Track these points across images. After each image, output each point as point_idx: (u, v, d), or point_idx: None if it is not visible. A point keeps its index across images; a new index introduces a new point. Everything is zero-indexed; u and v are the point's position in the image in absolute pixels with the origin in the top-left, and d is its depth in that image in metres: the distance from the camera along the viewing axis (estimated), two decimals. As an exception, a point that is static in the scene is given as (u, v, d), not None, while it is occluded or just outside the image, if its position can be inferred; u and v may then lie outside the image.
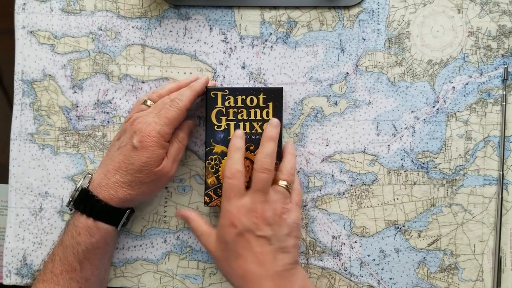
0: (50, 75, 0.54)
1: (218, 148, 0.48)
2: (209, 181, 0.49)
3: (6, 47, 0.55)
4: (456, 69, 0.53)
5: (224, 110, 0.49)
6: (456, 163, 0.52)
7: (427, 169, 0.52)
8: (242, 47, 0.53)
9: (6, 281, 0.53)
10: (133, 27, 0.54)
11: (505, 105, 0.52)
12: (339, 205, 0.53)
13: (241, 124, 0.49)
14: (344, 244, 0.53)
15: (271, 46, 0.53)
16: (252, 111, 0.49)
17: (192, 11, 0.54)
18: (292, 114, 0.53)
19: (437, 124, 0.52)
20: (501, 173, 0.52)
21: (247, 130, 0.49)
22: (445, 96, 0.52)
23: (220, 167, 0.48)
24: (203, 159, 0.53)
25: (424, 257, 0.52)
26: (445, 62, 0.53)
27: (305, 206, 0.53)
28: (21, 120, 0.54)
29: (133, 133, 0.46)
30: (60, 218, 0.53)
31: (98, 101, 0.54)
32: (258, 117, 0.49)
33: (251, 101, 0.49)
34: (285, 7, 0.53)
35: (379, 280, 0.52)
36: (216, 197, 0.49)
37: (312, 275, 0.53)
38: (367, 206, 0.53)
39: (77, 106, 0.54)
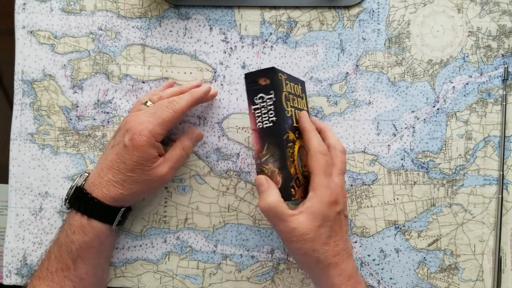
0: (50, 75, 0.54)
1: (291, 135, 0.44)
2: (291, 170, 0.43)
3: (6, 47, 0.55)
4: (456, 69, 0.52)
5: (288, 95, 0.45)
6: (456, 163, 0.52)
7: (427, 169, 0.52)
8: (242, 46, 0.53)
9: (6, 281, 0.53)
10: (133, 27, 0.54)
11: (505, 105, 0.52)
12: (339, 205, 0.53)
13: (297, 112, 0.46)
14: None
15: (271, 46, 0.53)
16: (297, 99, 0.47)
17: (192, 11, 0.54)
18: (292, 114, 0.53)
19: (437, 124, 0.52)
20: (501, 173, 0.52)
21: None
22: (445, 96, 0.52)
23: (294, 155, 0.44)
24: (203, 158, 0.53)
25: (424, 257, 0.52)
26: (445, 62, 0.53)
27: (305, 206, 0.53)
28: (21, 120, 0.54)
29: (125, 131, 0.46)
30: (60, 218, 0.53)
31: (98, 101, 0.54)
32: (300, 106, 0.48)
33: (295, 89, 0.47)
34: (285, 7, 0.53)
35: (379, 280, 0.52)
36: (297, 188, 0.44)
37: (312, 275, 0.53)
38: (367, 206, 0.53)
39: (77, 106, 0.54)
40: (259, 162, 0.44)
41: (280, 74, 0.44)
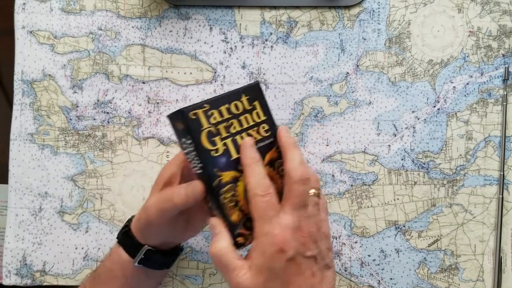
0: (50, 75, 0.54)
1: (227, 176, 0.39)
2: (233, 218, 0.39)
3: (6, 47, 0.55)
4: (457, 69, 0.52)
5: (213, 129, 0.39)
6: (456, 163, 0.52)
7: (427, 169, 0.52)
8: (242, 46, 0.53)
9: (5, 282, 0.53)
10: (133, 27, 0.54)
11: (506, 105, 0.52)
12: (339, 205, 0.53)
13: (238, 137, 0.40)
14: (345, 244, 0.52)
15: (271, 46, 0.53)
16: (242, 118, 0.40)
17: (192, 11, 0.53)
18: (292, 114, 0.53)
19: (437, 124, 0.52)
20: (502, 173, 0.51)
21: None
22: (445, 96, 0.52)
23: (238, 194, 0.39)
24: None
25: (425, 257, 0.52)
26: (445, 62, 0.53)
27: (305, 206, 0.53)
28: (21, 120, 0.54)
29: None
30: (59, 218, 0.53)
31: (98, 101, 0.54)
32: (251, 123, 0.41)
33: (236, 107, 0.40)
34: (285, 7, 0.53)
35: (379, 281, 0.52)
36: (249, 232, 0.39)
37: (312, 275, 0.53)
38: (368, 206, 0.53)
39: (77, 106, 0.54)
40: (208, 207, 0.40)
41: (193, 112, 0.38)
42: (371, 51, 0.53)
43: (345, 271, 0.52)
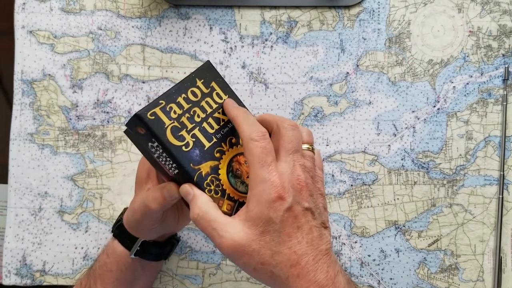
0: (49, 74, 0.54)
1: (206, 167, 0.37)
2: (224, 209, 0.37)
3: (6, 47, 0.55)
4: (457, 68, 0.52)
5: (177, 123, 0.37)
6: (456, 163, 0.52)
7: (427, 169, 0.52)
8: (242, 46, 0.53)
9: (5, 281, 0.53)
10: (133, 26, 0.54)
11: (506, 105, 0.52)
12: (339, 205, 0.53)
13: (205, 124, 0.38)
14: (344, 244, 0.52)
15: (271, 46, 0.53)
16: (204, 103, 0.38)
17: (192, 11, 0.53)
18: (292, 113, 0.53)
19: (437, 124, 0.52)
20: (502, 173, 0.51)
21: (215, 126, 0.38)
22: (445, 96, 0.52)
23: (223, 183, 0.37)
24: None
25: (425, 257, 0.52)
26: (445, 61, 0.52)
27: (305, 206, 0.53)
28: (21, 120, 0.54)
29: None
30: (59, 218, 0.53)
31: (98, 100, 0.54)
32: (215, 105, 0.39)
33: (194, 94, 0.38)
34: (285, 7, 0.53)
35: (379, 281, 0.52)
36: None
37: (312, 275, 0.53)
38: (368, 206, 0.53)
39: (77, 106, 0.54)
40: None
41: (150, 113, 0.36)
42: (371, 51, 0.53)
43: (345, 271, 0.52)
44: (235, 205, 0.37)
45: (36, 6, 0.54)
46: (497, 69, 0.52)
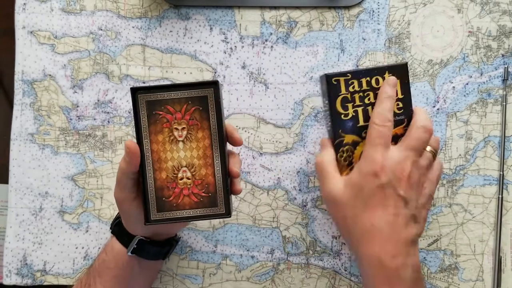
0: (50, 75, 0.54)
1: (349, 138, 0.44)
2: (344, 175, 0.44)
3: (6, 47, 0.55)
4: (456, 69, 0.53)
5: (349, 96, 0.44)
6: (456, 163, 0.52)
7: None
8: (242, 47, 0.53)
9: (6, 281, 0.53)
10: (133, 27, 0.54)
11: (505, 105, 0.52)
12: (339, 205, 0.53)
13: (370, 108, 0.44)
14: (344, 244, 0.53)
15: (271, 46, 0.53)
16: (373, 93, 0.45)
17: (192, 11, 0.54)
18: (292, 114, 0.53)
19: (437, 124, 0.52)
20: (501, 173, 0.52)
21: None
22: (445, 96, 0.52)
23: (353, 158, 0.44)
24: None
25: (424, 257, 0.52)
26: (445, 62, 0.53)
27: (305, 206, 0.53)
28: (21, 120, 0.54)
29: None
30: (60, 218, 0.53)
31: (98, 101, 0.54)
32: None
33: (377, 81, 0.44)
34: (285, 7, 0.53)
35: (379, 280, 0.52)
36: None
37: (312, 275, 0.53)
38: (367, 206, 0.53)
39: (77, 106, 0.54)
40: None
41: (335, 79, 0.44)
42: (371, 51, 0.53)
43: (345, 271, 0.52)
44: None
45: (37, 6, 0.54)
46: (496, 69, 0.52)
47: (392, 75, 0.44)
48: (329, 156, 0.43)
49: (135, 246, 0.45)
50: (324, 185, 0.42)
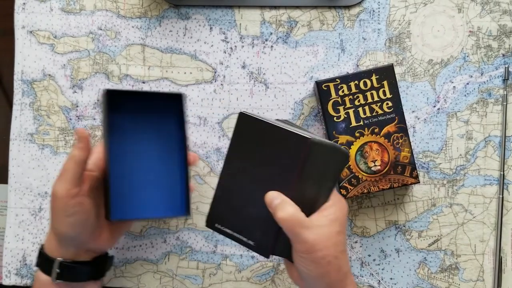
0: (50, 75, 0.54)
1: (343, 139, 0.48)
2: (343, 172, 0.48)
3: (6, 47, 0.55)
4: (457, 68, 0.52)
5: (339, 99, 0.48)
6: (456, 163, 0.52)
7: (427, 169, 0.52)
8: (242, 46, 0.53)
9: (6, 281, 0.53)
10: (133, 27, 0.54)
11: (506, 105, 0.52)
12: (339, 205, 0.53)
13: (360, 109, 0.48)
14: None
15: (272, 46, 0.53)
16: (368, 93, 0.48)
17: (192, 11, 0.53)
18: (293, 113, 0.53)
19: (437, 124, 0.52)
20: (502, 173, 0.51)
21: (368, 114, 0.48)
22: (445, 96, 0.52)
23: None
24: (203, 159, 0.53)
25: (425, 257, 0.52)
26: (445, 61, 0.52)
27: (305, 206, 0.53)
28: (21, 120, 0.54)
29: None
30: (60, 218, 0.53)
31: (98, 101, 0.54)
32: (376, 98, 0.48)
33: (365, 84, 0.48)
34: (286, 7, 0.53)
35: (379, 280, 0.52)
36: (352, 188, 0.49)
37: (312, 275, 0.52)
38: (368, 206, 0.53)
39: (77, 106, 0.54)
40: None
41: (324, 84, 0.48)
42: (371, 51, 0.53)
43: (345, 271, 0.52)
44: (350, 176, 0.49)
45: (36, 6, 0.54)
46: (497, 69, 0.52)
47: (378, 76, 0.48)
48: (291, 206, 0.39)
49: (58, 271, 0.41)
50: (309, 232, 0.39)
